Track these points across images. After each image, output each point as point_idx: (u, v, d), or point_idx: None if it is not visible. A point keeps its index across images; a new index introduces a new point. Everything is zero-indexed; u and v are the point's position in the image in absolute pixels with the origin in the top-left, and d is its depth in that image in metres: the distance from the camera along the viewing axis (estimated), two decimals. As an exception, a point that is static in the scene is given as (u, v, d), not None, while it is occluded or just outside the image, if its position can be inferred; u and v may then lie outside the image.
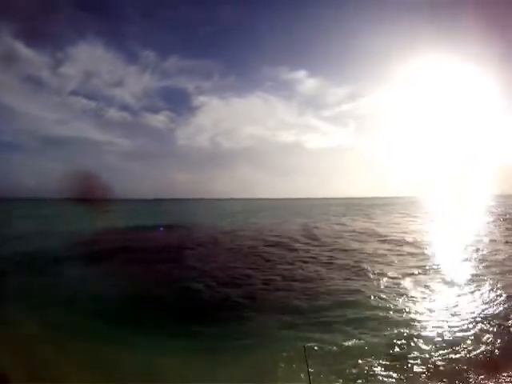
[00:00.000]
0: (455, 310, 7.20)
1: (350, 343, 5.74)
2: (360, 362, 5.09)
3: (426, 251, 13.55)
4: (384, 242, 16.24)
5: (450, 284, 9.14)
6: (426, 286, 9.00)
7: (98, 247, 14.96)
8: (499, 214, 29.17)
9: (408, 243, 15.49)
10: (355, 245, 15.55)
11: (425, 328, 6.31)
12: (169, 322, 6.83)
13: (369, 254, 13.47)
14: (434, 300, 7.94)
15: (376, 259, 12.33)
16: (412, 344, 5.69)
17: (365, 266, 11.26)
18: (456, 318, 6.70)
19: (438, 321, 6.58)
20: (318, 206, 63.13)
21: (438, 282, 9.37)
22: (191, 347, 5.67)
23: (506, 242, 15.02)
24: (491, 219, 26.60)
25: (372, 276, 10.08)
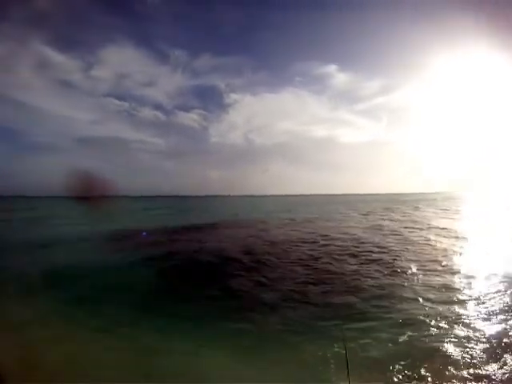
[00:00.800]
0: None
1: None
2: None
3: (483, 244, 13.66)
4: (445, 236, 16.10)
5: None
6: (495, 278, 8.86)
7: (165, 247, 14.09)
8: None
9: (466, 238, 15.15)
10: (417, 239, 15.26)
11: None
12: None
13: (431, 246, 13.37)
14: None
15: (444, 253, 12.12)
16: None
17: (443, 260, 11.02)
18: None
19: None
20: (358, 202, 60.92)
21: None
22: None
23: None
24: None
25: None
